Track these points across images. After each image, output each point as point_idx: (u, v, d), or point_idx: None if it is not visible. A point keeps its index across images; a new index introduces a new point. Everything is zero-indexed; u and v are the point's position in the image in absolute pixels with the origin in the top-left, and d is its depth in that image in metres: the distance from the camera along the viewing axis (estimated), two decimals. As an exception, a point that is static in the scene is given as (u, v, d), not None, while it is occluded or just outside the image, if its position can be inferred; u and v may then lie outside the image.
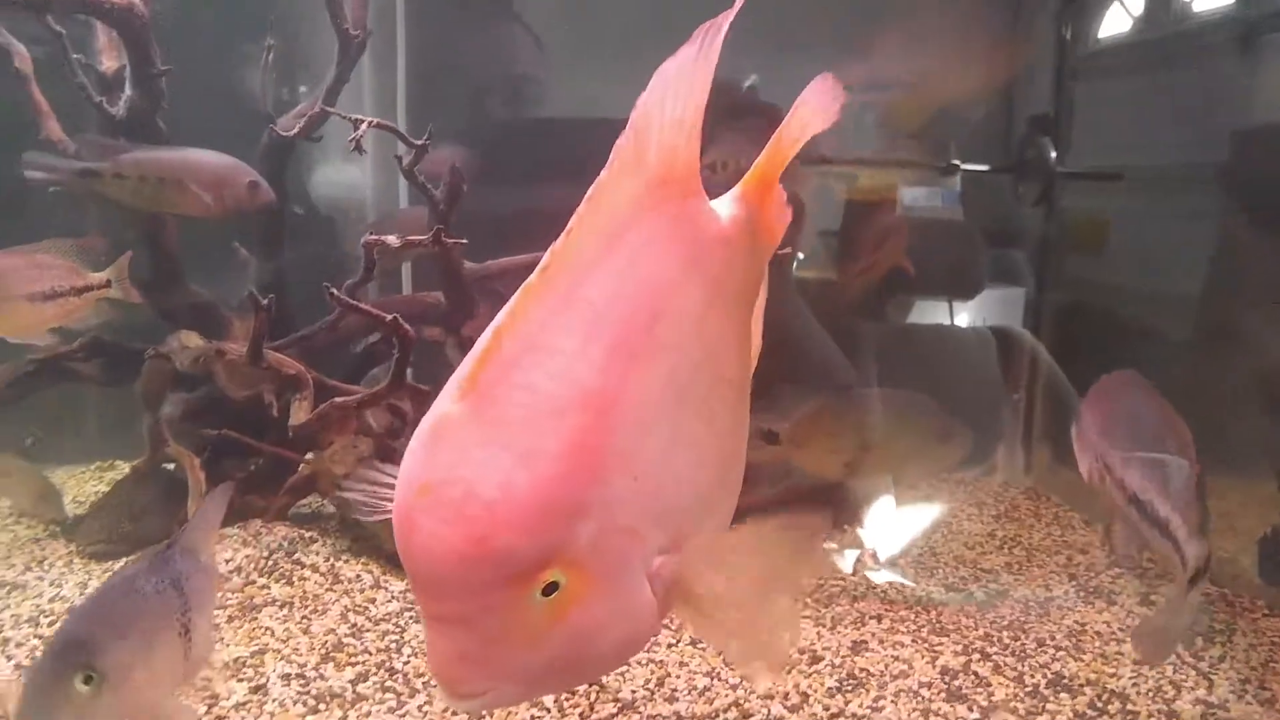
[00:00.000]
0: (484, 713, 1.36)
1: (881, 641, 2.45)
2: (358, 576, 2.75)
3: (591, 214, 1.26)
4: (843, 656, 2.34)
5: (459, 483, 1.07)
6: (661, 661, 2.27)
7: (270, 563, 2.81)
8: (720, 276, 1.42)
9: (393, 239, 2.38)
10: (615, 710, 2.02)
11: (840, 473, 3.21)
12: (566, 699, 2.05)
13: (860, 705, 2.08)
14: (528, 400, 1.11)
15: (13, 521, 3.46)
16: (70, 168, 2.69)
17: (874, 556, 3.14)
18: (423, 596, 1.13)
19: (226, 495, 1.93)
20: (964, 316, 4.81)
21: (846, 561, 3.04)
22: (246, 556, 2.83)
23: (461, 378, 1.14)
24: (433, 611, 1.12)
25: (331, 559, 2.87)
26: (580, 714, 2.00)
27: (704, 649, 2.36)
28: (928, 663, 2.30)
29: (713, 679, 2.19)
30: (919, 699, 2.11)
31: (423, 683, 2.14)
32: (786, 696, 2.12)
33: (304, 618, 2.48)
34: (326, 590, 2.66)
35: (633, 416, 1.18)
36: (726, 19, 1.36)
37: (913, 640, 2.45)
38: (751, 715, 2.02)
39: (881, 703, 2.09)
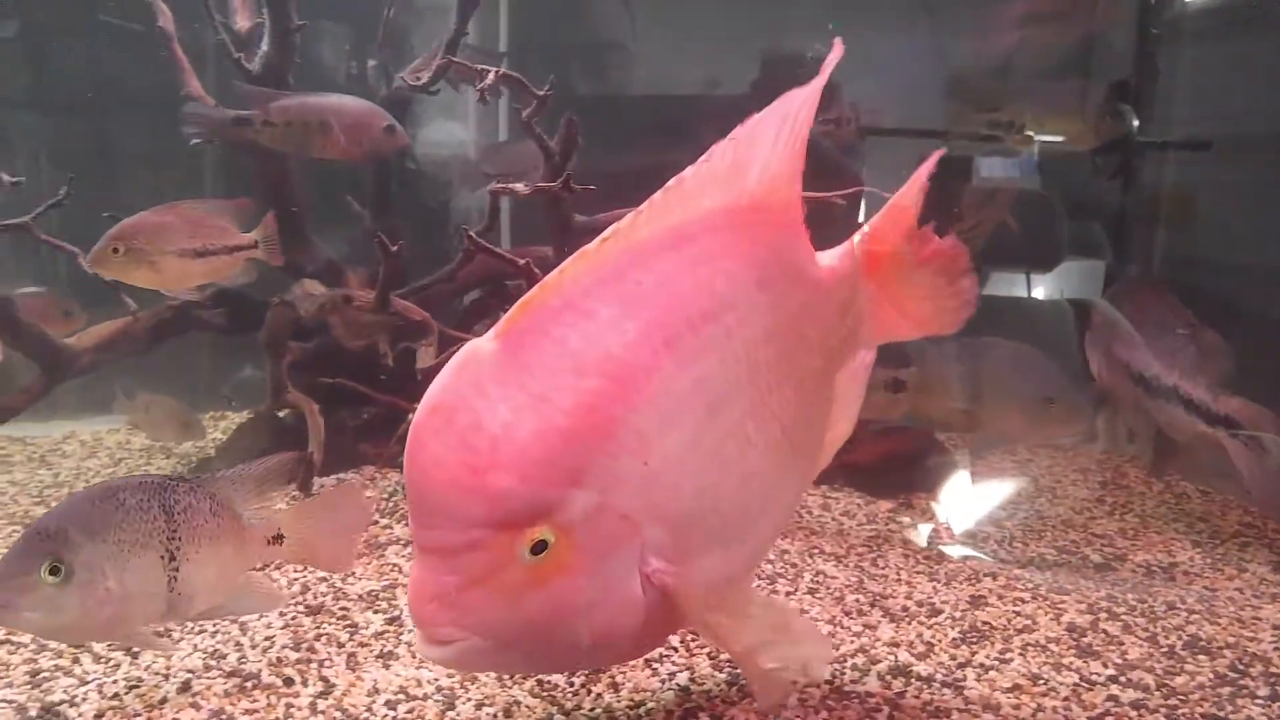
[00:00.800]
0: (458, 675, 1.35)
1: (1000, 598, 2.43)
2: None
3: (667, 204, 1.27)
4: (962, 610, 2.33)
5: (470, 412, 1.10)
6: (781, 609, 2.28)
7: (391, 503, 2.90)
8: (796, 316, 1.40)
9: (520, 186, 2.41)
10: (742, 651, 2.04)
11: (962, 423, 3.17)
12: (693, 639, 2.07)
13: (987, 656, 2.07)
14: (554, 353, 1.14)
15: (144, 462, 3.62)
16: (224, 117, 2.78)
17: (949, 531, 3.11)
18: (416, 523, 1.15)
19: (286, 462, 1.91)
20: (1041, 289, 4.71)
21: (921, 535, 3.01)
22: (368, 498, 2.92)
23: (501, 320, 1.18)
24: (423, 541, 1.14)
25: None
26: (708, 653, 2.03)
27: (822, 598, 2.37)
28: (1052, 619, 2.28)
29: (835, 626, 2.20)
30: (1048, 653, 2.09)
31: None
32: (912, 645, 2.11)
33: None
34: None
35: (654, 402, 1.18)
36: (828, 66, 1.41)
37: (1033, 597, 2.43)
38: (878, 661, 2.02)
39: (1009, 655, 2.07)
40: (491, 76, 2.42)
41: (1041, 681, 1.94)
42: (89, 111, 4.05)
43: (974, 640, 2.15)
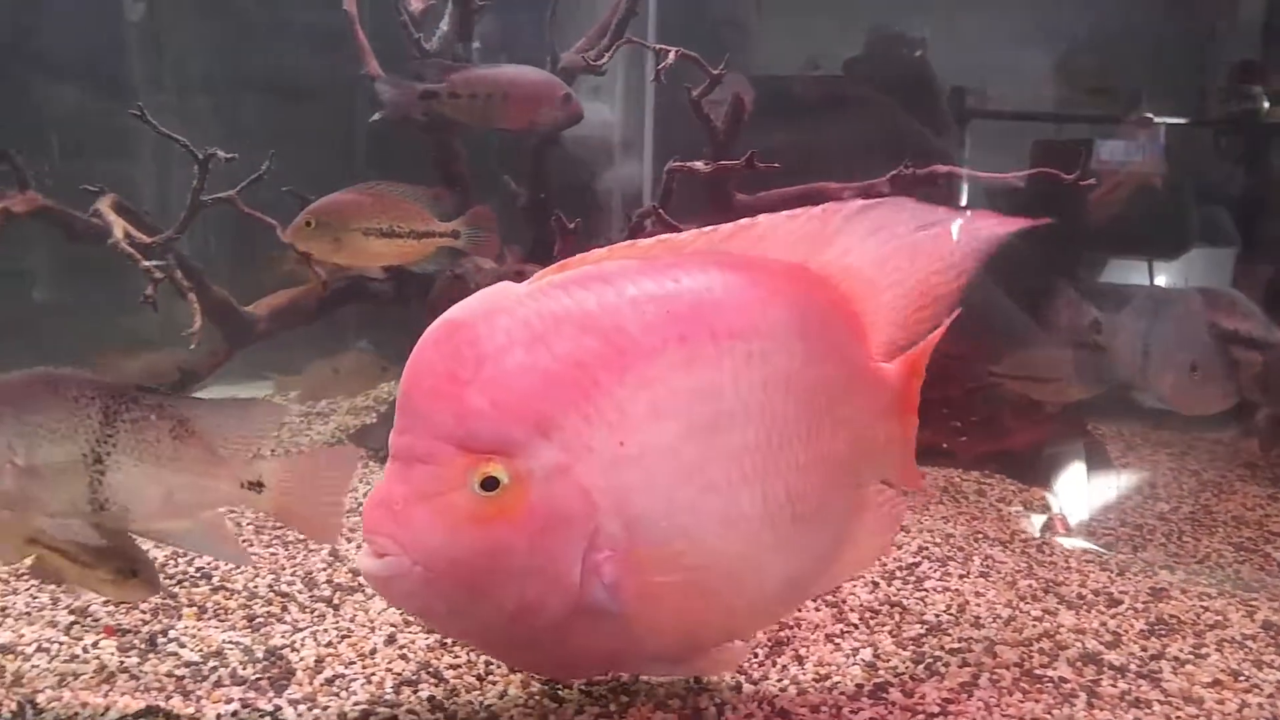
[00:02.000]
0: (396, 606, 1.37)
1: (1184, 592, 2.35)
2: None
3: (732, 234, 1.30)
4: (1144, 602, 2.27)
5: (472, 330, 1.14)
6: (957, 590, 2.26)
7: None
8: (830, 387, 1.36)
9: (700, 164, 2.42)
10: (923, 631, 2.04)
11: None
12: (873, 616, 2.07)
13: (1180, 649, 2.01)
14: (569, 308, 1.16)
15: (305, 426, 3.79)
16: (413, 90, 2.88)
17: (1063, 522, 3.02)
18: (394, 426, 1.18)
19: (275, 409, 1.87)
20: (1164, 278, 4.50)
21: (1035, 525, 2.93)
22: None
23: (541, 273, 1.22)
24: (393, 446, 1.18)
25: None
26: (889, 630, 2.02)
27: (994, 581, 2.34)
28: (1244, 616, 2.20)
29: (1015, 610, 2.17)
30: (1246, 650, 2.02)
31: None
32: (1098, 633, 2.07)
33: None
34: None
35: (648, 387, 1.17)
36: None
37: (1219, 594, 2.34)
38: (1066, 648, 1.98)
39: (1204, 649, 2.01)
40: (672, 55, 2.43)
41: (1243, 678, 1.88)
42: (260, 94, 4.24)
43: (1162, 633, 2.09)
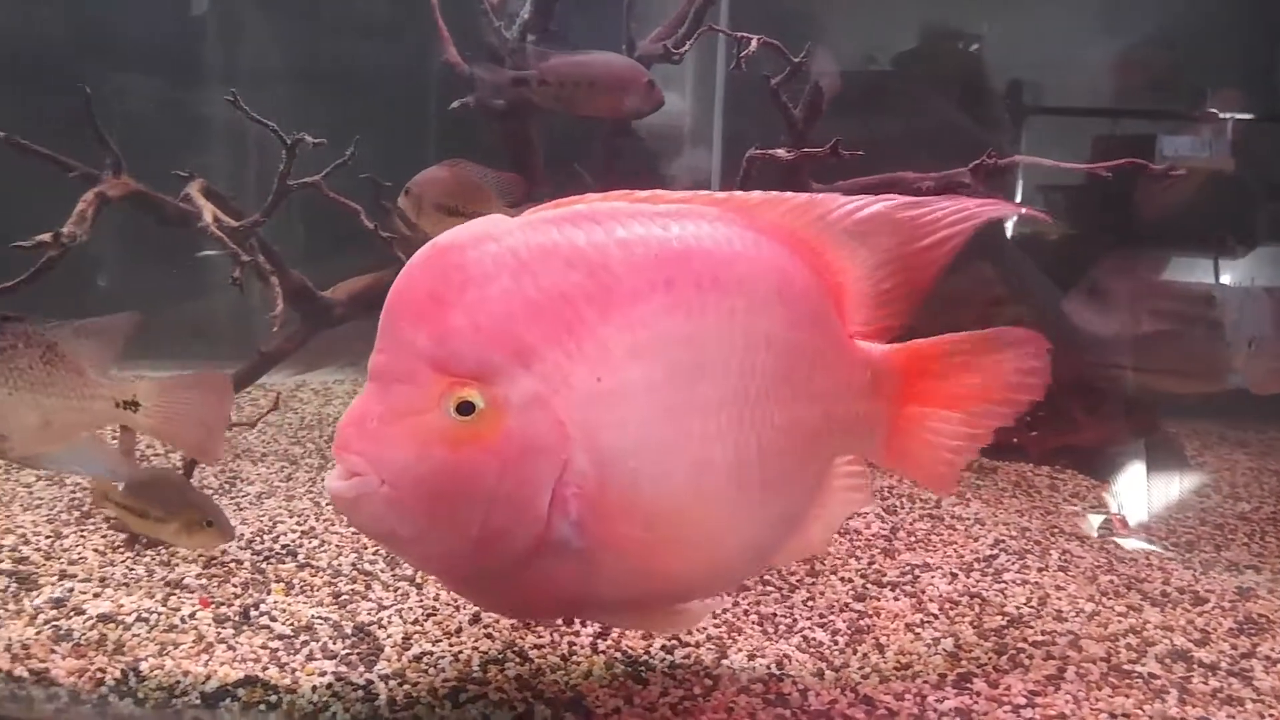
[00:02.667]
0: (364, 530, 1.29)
1: (1271, 591, 2.30)
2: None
3: (718, 198, 1.32)
4: (1230, 600, 2.22)
5: (461, 254, 1.14)
6: (1037, 584, 2.24)
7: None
8: (807, 352, 1.36)
9: (782, 151, 2.41)
10: (1004, 623, 2.02)
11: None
12: (952, 606, 2.06)
13: (1272, 649, 1.96)
14: (558, 242, 1.17)
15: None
16: (505, 77, 2.92)
17: (1123, 522, 2.95)
18: (375, 346, 1.18)
19: (131, 320, 1.82)
20: (1229, 276, 4.37)
21: (1091, 525, 2.87)
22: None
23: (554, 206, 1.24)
24: (371, 365, 1.17)
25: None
26: (970, 621, 2.01)
27: (1074, 576, 2.30)
28: (1338, 616, 2.14)
29: (1098, 605, 2.14)
30: (1341, 649, 1.97)
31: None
32: (1186, 630, 2.03)
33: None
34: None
35: (630, 327, 1.17)
36: None
37: (1310, 593, 2.29)
38: (1153, 644, 1.95)
39: (1297, 649, 1.96)
40: (755, 44, 2.42)
41: (1340, 679, 1.83)
42: (328, 84, 4.31)
43: (1252, 632, 2.05)
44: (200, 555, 2.15)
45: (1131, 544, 2.70)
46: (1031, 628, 1.99)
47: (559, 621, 1.74)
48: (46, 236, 2.21)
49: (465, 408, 1.11)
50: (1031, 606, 2.10)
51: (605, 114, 2.88)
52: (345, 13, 4.61)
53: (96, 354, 1.72)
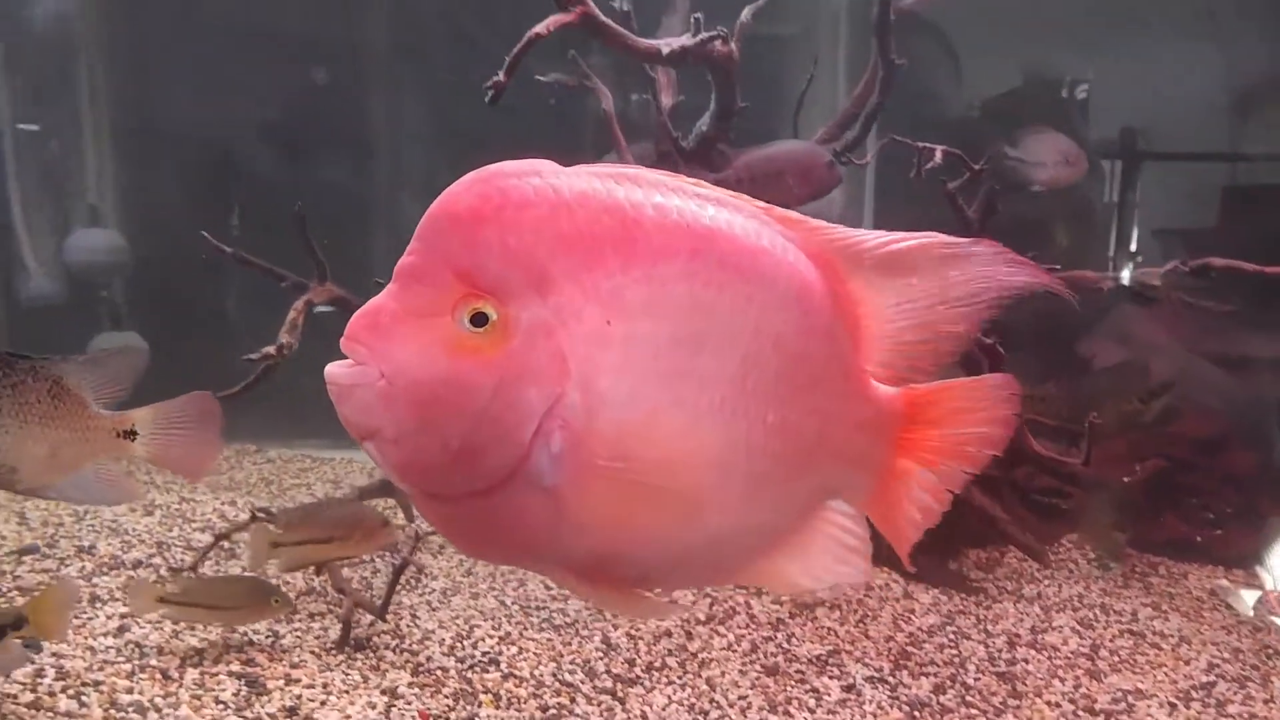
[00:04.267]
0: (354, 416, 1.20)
1: None
2: (886, 585, 2.83)
3: (793, 223, 1.32)
4: None
5: (508, 179, 1.18)
6: (1266, 717, 2.12)
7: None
8: (812, 364, 1.34)
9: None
10: None
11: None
12: None
13: None
14: (598, 190, 1.21)
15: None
16: (708, 178, 3.00)
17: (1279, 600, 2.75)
18: (408, 248, 1.19)
19: (135, 354, 1.88)
20: None
21: (1244, 603, 2.67)
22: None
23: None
24: (398, 266, 1.19)
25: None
26: None
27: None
28: None
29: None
30: None
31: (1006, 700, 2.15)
32: None
33: (859, 621, 2.59)
34: (865, 595, 2.76)
35: (647, 283, 1.20)
36: None
37: None
38: None
39: None
40: (939, 155, 2.43)
41: None
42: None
43: None
44: (407, 663, 2.22)
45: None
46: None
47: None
48: (271, 349, 2.35)
49: (479, 319, 1.15)
50: None
51: (792, 199, 2.93)
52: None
53: (105, 387, 1.78)
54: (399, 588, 2.72)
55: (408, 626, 2.45)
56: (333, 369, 1.19)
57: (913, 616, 2.63)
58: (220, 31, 4.64)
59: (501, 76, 2.07)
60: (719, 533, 1.34)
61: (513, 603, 2.68)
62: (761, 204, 1.35)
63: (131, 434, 1.75)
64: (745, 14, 2.54)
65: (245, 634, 2.36)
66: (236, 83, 4.58)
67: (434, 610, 2.58)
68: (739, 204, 1.33)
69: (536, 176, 1.21)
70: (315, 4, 4.71)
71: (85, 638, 2.27)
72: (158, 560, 2.76)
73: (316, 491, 4.03)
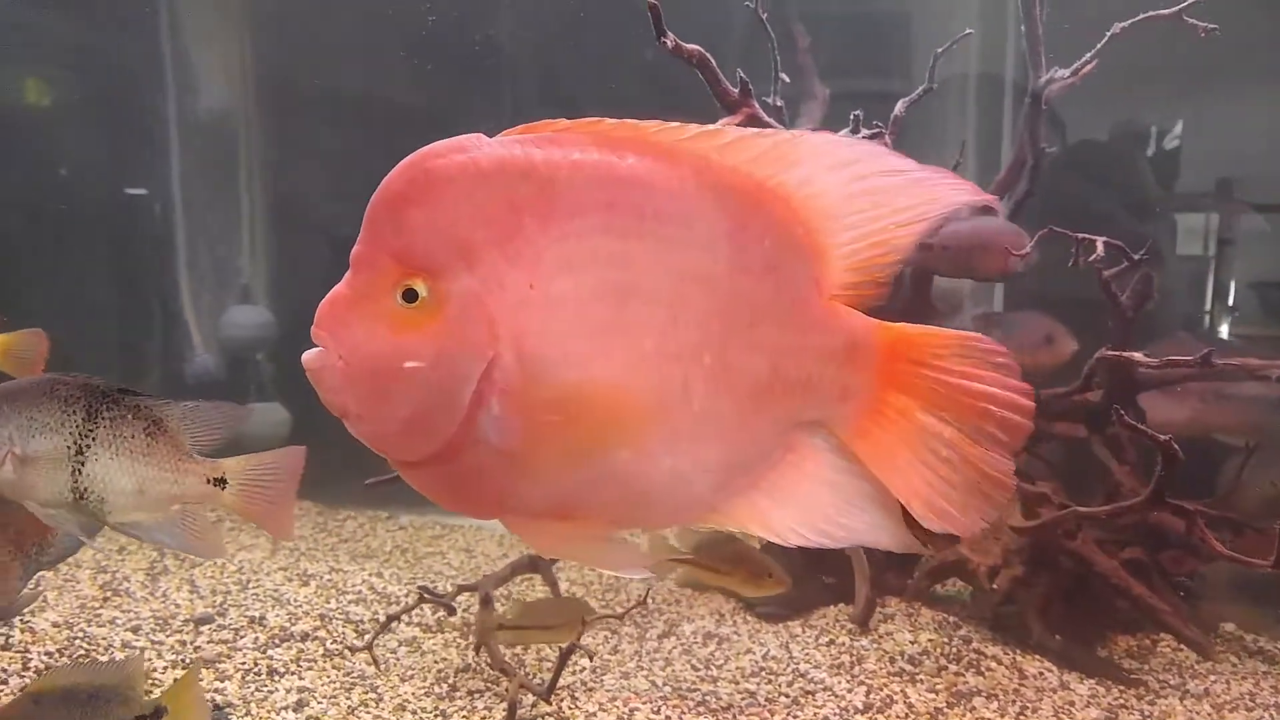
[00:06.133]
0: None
1: None
2: (1040, 673, 2.78)
3: (713, 144, 1.34)
4: None
5: (431, 160, 1.26)
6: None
7: (952, 649, 2.93)
8: (757, 298, 1.35)
9: (1139, 355, 2.39)
10: None
11: None
12: None
13: None
14: (517, 157, 1.27)
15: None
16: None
17: None
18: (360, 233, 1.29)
19: (238, 411, 1.92)
20: None
21: None
22: (930, 640, 2.98)
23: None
24: (352, 253, 1.28)
25: (1010, 651, 2.94)
26: None
27: None
28: None
29: None
30: None
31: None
32: None
33: (1019, 713, 2.54)
34: (1020, 684, 2.71)
35: (566, 240, 1.26)
36: None
37: None
38: None
39: None
40: (1100, 247, 2.43)
41: None
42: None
43: None
44: (575, 744, 2.27)
45: None
46: None
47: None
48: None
49: (410, 295, 1.25)
50: None
51: (993, 273, 2.95)
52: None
53: (203, 435, 1.85)
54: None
55: (569, 709, 2.50)
56: (305, 356, 1.30)
57: (1073, 709, 2.57)
58: (359, 122, 4.92)
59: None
60: (676, 471, 1.38)
61: (664, 684, 2.71)
62: (693, 128, 1.36)
63: (222, 482, 1.83)
64: (899, 107, 2.60)
65: (413, 711, 2.45)
66: (373, 167, 4.85)
67: (590, 691, 2.63)
68: (667, 147, 1.35)
69: (460, 153, 1.29)
70: (453, 90, 4.93)
71: (268, 712, 2.39)
72: (323, 634, 2.88)
73: (451, 560, 4.14)
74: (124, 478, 1.76)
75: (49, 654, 2.55)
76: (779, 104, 2.65)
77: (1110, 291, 2.71)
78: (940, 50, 2.64)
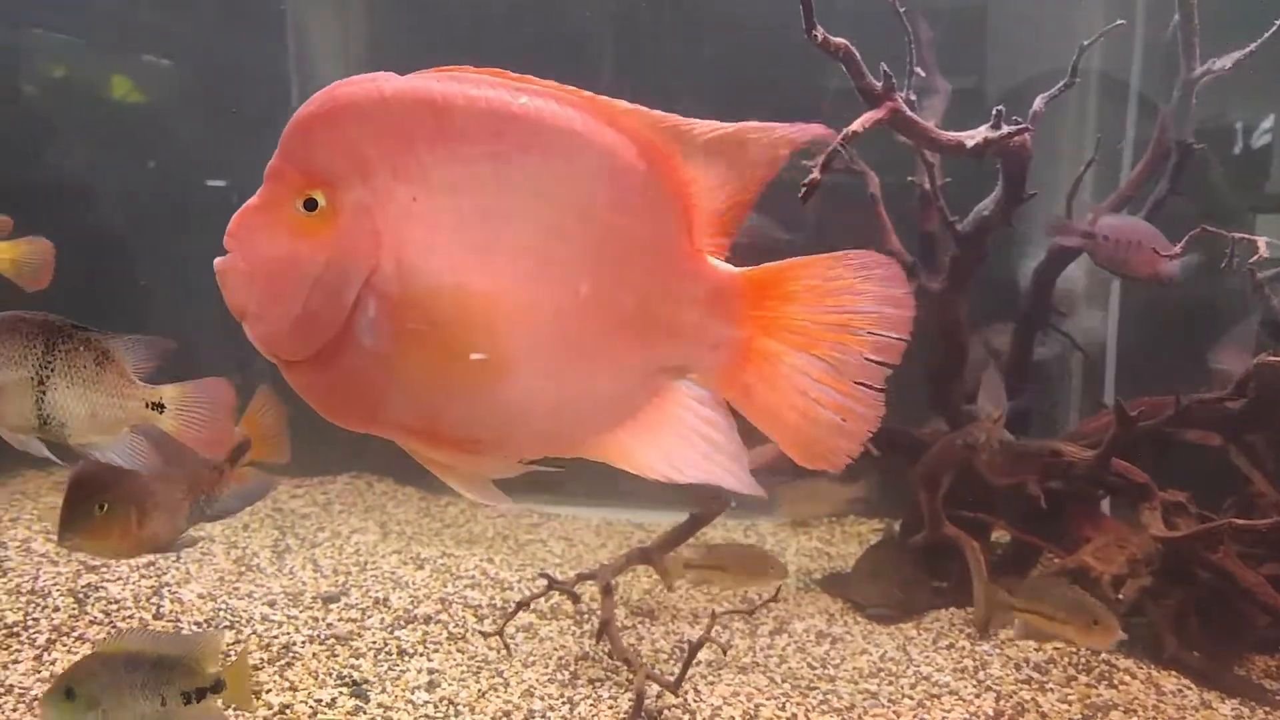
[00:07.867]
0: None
1: None
2: (1179, 690, 2.69)
3: (623, 115, 1.40)
4: None
5: (346, 87, 1.35)
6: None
7: (1081, 659, 2.86)
8: (626, 246, 1.40)
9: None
10: None
11: None
12: None
13: None
14: (418, 87, 1.35)
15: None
16: (1077, 230, 3.05)
17: None
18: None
19: (165, 343, 2.06)
20: None
21: None
22: (1055, 648, 2.91)
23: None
24: (267, 167, 1.36)
25: (1144, 665, 2.85)
26: None
27: None
28: None
29: None
30: None
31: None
32: None
33: (1160, 729, 2.47)
34: (1159, 700, 2.63)
35: (451, 163, 1.34)
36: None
37: None
38: None
39: None
40: (1263, 247, 2.34)
41: None
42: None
43: None
44: (703, 737, 2.26)
45: None
46: None
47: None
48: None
49: (310, 204, 1.34)
50: None
51: (1144, 272, 2.90)
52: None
53: (143, 364, 2.02)
54: (670, 659, 2.79)
55: (694, 701, 2.50)
56: (216, 260, 1.39)
57: (1215, 728, 2.49)
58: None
59: (817, 174, 2.13)
60: (543, 397, 1.44)
61: (782, 680, 2.69)
62: (602, 99, 1.43)
63: (160, 406, 2.01)
64: (1038, 103, 2.53)
65: (541, 697, 2.47)
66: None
67: (711, 685, 2.62)
68: (565, 93, 1.42)
69: (370, 83, 1.38)
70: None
71: (403, 690, 2.44)
72: (444, 617, 2.93)
73: (553, 549, 4.18)
74: (78, 404, 1.93)
75: (197, 624, 2.65)
76: (912, 98, 2.60)
77: (1261, 292, 2.61)
78: (1087, 43, 2.55)
